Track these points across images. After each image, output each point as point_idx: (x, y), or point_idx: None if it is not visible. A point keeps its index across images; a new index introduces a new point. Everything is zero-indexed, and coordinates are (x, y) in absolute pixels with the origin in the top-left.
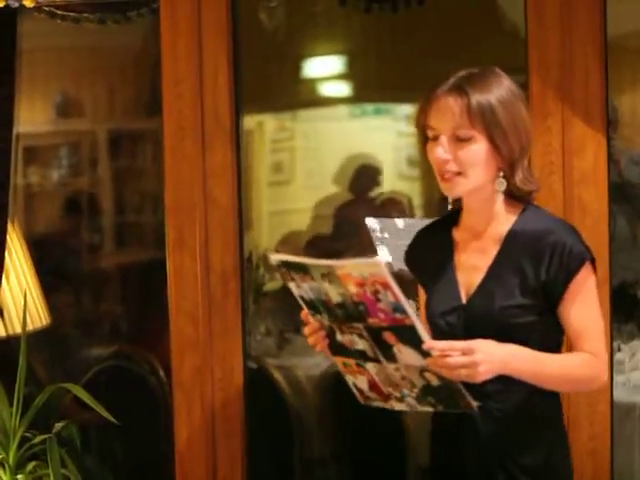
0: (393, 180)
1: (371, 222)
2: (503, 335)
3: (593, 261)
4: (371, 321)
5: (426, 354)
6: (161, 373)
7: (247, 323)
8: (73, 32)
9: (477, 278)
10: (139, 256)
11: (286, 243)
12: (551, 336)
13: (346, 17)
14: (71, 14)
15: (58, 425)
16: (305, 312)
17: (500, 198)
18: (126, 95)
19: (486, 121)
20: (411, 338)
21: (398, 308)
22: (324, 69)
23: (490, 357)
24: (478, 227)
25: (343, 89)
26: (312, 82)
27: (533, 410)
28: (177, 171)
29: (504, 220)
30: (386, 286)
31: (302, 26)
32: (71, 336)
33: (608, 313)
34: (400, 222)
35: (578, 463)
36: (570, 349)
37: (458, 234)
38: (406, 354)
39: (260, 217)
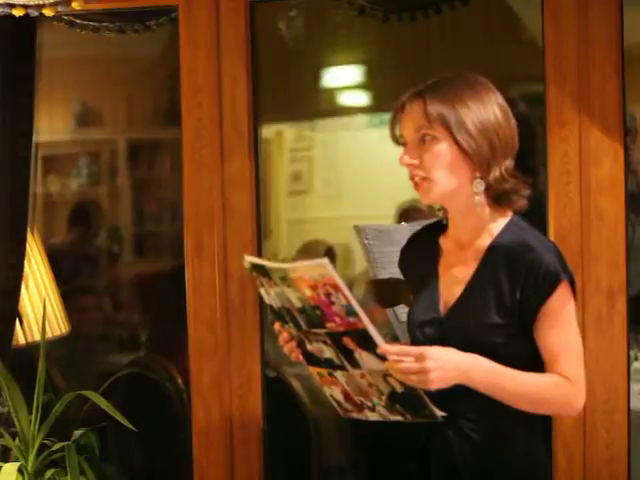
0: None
1: (360, 228)
2: (478, 351)
3: (572, 283)
4: (329, 326)
5: (384, 357)
6: (179, 380)
7: (265, 331)
8: (92, 42)
9: (457, 290)
10: (158, 264)
11: (305, 252)
12: (529, 357)
13: (364, 27)
14: (91, 23)
15: (77, 432)
16: (277, 325)
17: (480, 200)
18: (145, 104)
19: (446, 121)
20: (368, 342)
21: (351, 311)
22: (343, 79)
23: (443, 365)
24: (462, 237)
25: (361, 98)
26: (331, 92)
27: (511, 434)
28: (196, 179)
29: (487, 231)
30: (336, 288)
31: (321, 36)
32: (89, 344)
33: (624, 322)
34: (392, 227)
35: (595, 471)
36: None
37: (444, 242)
38: (367, 359)
39: (279, 225)
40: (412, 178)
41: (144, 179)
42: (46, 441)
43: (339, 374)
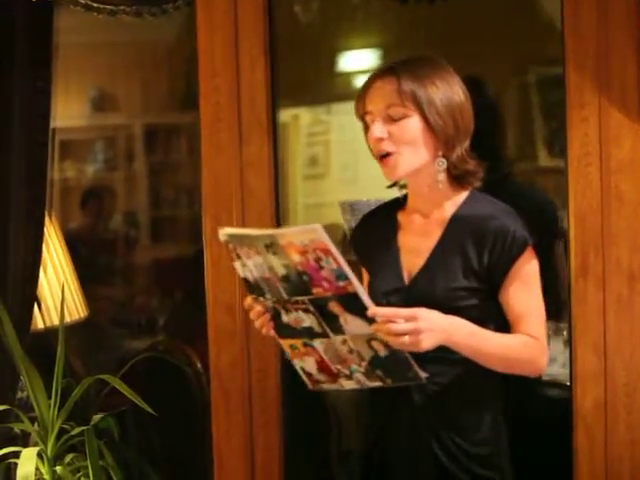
0: None
1: (344, 204)
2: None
3: (535, 247)
4: (316, 291)
5: (371, 321)
6: (198, 365)
7: None
8: (108, 26)
9: (420, 260)
10: (176, 249)
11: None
12: (495, 321)
13: (382, 9)
14: (107, 7)
15: (96, 417)
16: (249, 300)
17: (442, 178)
18: (161, 89)
19: (417, 98)
20: (356, 306)
21: (341, 275)
22: (359, 62)
23: (433, 326)
24: (423, 209)
25: None
26: (347, 75)
27: (470, 389)
28: (214, 163)
29: (449, 204)
30: (327, 252)
31: (337, 19)
32: (107, 329)
33: None
34: (372, 202)
35: (616, 454)
36: None
37: (403, 217)
38: (352, 323)
39: (296, 210)
40: (378, 154)
41: (161, 164)
42: (65, 426)
43: (317, 342)
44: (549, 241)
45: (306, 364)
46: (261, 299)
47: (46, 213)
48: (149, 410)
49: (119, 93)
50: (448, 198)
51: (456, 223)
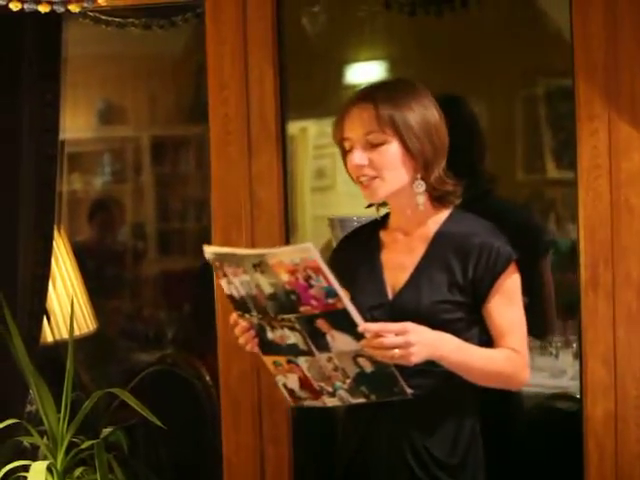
0: None
1: (333, 220)
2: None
3: (517, 262)
4: (303, 309)
5: (360, 337)
6: (207, 378)
7: None
8: (115, 39)
9: (404, 276)
10: (184, 261)
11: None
12: (479, 335)
13: (389, 22)
14: (116, 19)
15: (105, 430)
16: (233, 316)
17: (422, 200)
18: (168, 101)
19: (395, 123)
20: (344, 322)
21: (330, 292)
22: (367, 75)
23: (423, 339)
24: (406, 228)
25: None
26: (355, 88)
27: (449, 401)
28: (223, 175)
29: (432, 221)
30: (317, 270)
31: (345, 31)
32: (115, 342)
33: None
34: (362, 219)
35: (626, 466)
36: None
37: (386, 235)
38: (339, 340)
39: (304, 222)
40: (358, 179)
41: (168, 176)
42: (75, 439)
43: (302, 360)
44: (535, 255)
45: (289, 380)
46: (247, 316)
47: (55, 226)
48: (158, 423)
49: (127, 105)
50: (430, 217)
51: (440, 239)
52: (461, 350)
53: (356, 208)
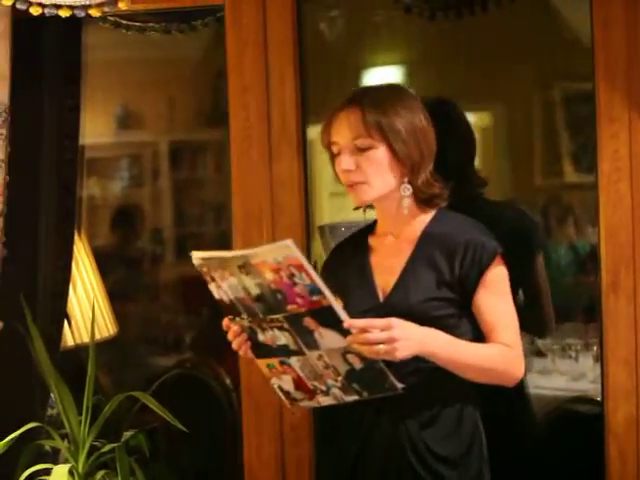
0: None
1: (324, 227)
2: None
3: (503, 256)
4: (290, 308)
5: (346, 333)
6: (227, 381)
7: None
8: (135, 43)
9: (393, 278)
10: None
11: None
12: (471, 332)
13: (408, 25)
14: (136, 24)
15: (127, 434)
16: (225, 320)
17: (408, 204)
18: (187, 106)
19: (382, 128)
20: (330, 319)
21: (314, 290)
22: (386, 79)
23: (408, 335)
24: (393, 231)
25: None
26: None
27: (445, 398)
28: (244, 179)
29: (418, 222)
30: (300, 268)
31: (363, 35)
32: (135, 346)
33: None
34: (353, 225)
35: None
36: None
37: (374, 240)
38: (327, 337)
39: None
40: (347, 183)
41: (187, 181)
42: (96, 443)
43: (294, 360)
44: (529, 254)
45: (284, 383)
46: (237, 319)
47: (75, 230)
48: (180, 427)
49: (144, 110)
50: (416, 217)
51: (426, 239)
52: (451, 346)
53: (371, 213)
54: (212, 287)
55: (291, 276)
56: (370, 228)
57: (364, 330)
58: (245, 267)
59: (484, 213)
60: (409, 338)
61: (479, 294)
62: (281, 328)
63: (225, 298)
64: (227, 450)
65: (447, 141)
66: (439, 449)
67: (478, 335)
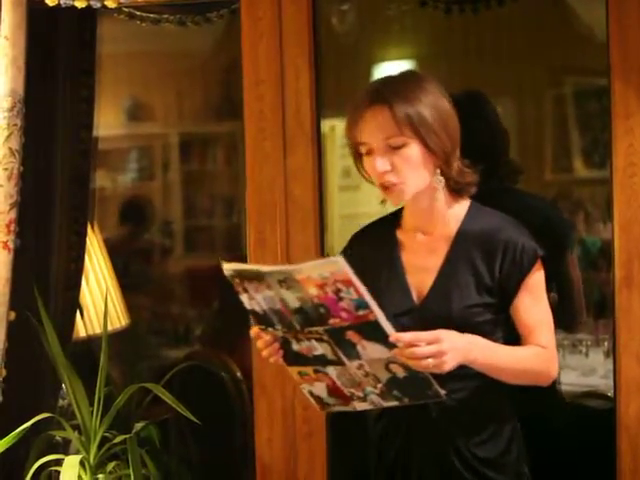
0: None
1: None
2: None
3: (542, 257)
4: (332, 322)
5: (392, 346)
6: (238, 373)
7: None
8: (148, 35)
9: (429, 279)
10: (215, 258)
11: None
12: (503, 333)
13: (422, 19)
14: (151, 15)
15: (138, 425)
16: (255, 329)
17: (441, 195)
18: (199, 98)
19: (414, 125)
20: (375, 333)
21: (361, 304)
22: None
23: (455, 345)
24: (425, 227)
25: None
26: None
27: (486, 402)
28: (258, 172)
29: (451, 219)
30: (348, 283)
31: (378, 29)
32: (146, 337)
33: None
34: None
35: None
36: None
37: (403, 235)
38: (370, 349)
39: (332, 221)
40: (382, 185)
41: (199, 173)
42: (107, 434)
43: (330, 369)
44: (563, 251)
45: (315, 388)
46: (270, 329)
47: (88, 222)
48: (192, 419)
49: (156, 102)
50: (448, 212)
51: (462, 238)
52: (490, 350)
53: (382, 207)
54: (244, 298)
55: (337, 291)
56: (395, 220)
57: (411, 344)
58: (286, 282)
59: (518, 205)
60: (456, 348)
61: (519, 298)
62: (319, 340)
63: (258, 309)
64: (239, 443)
65: (480, 131)
66: (482, 452)
67: (510, 338)
